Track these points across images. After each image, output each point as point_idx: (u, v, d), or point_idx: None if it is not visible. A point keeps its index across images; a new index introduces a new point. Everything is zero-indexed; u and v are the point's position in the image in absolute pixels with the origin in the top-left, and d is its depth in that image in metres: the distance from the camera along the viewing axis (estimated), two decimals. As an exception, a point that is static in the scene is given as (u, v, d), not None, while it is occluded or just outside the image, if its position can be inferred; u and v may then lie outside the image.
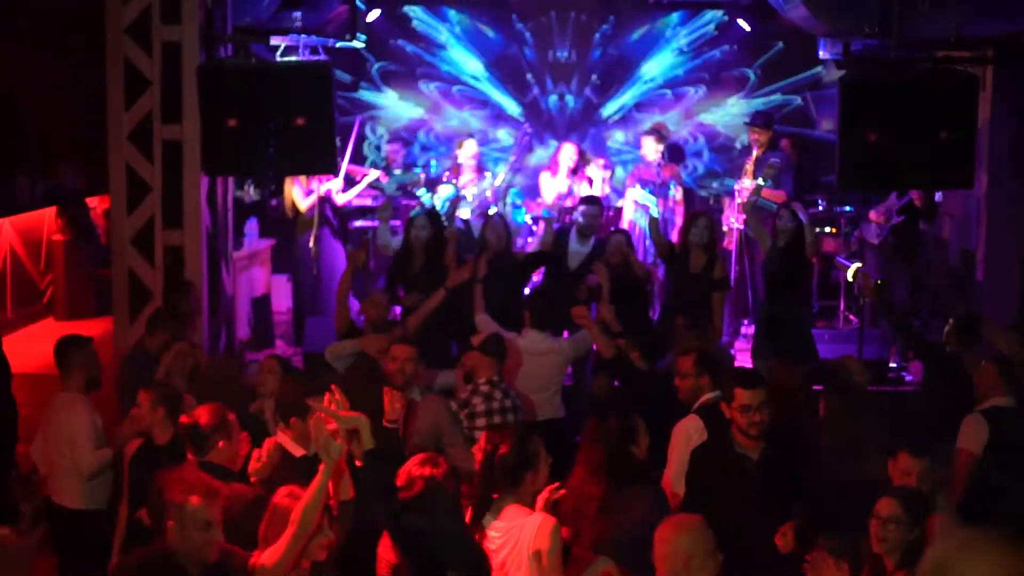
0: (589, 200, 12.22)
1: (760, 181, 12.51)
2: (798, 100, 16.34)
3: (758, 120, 14.11)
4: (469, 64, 16.36)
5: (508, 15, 16.28)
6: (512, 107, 16.45)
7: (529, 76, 16.41)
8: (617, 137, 16.35)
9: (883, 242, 13.59)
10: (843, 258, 13.59)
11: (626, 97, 16.43)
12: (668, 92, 16.45)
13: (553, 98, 16.47)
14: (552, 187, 13.95)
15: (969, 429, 7.60)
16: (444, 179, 13.94)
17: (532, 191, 14.96)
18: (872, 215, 13.74)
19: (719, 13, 16.21)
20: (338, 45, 12.06)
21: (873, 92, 10.04)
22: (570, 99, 16.49)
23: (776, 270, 11.30)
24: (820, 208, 14.26)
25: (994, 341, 8.91)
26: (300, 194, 13.10)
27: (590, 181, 14.18)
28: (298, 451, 6.85)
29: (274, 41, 10.88)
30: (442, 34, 16.29)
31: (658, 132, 14.38)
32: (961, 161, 10.14)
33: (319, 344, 10.53)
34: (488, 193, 13.76)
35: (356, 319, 10.40)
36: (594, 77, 16.40)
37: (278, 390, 7.74)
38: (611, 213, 13.83)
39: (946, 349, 9.18)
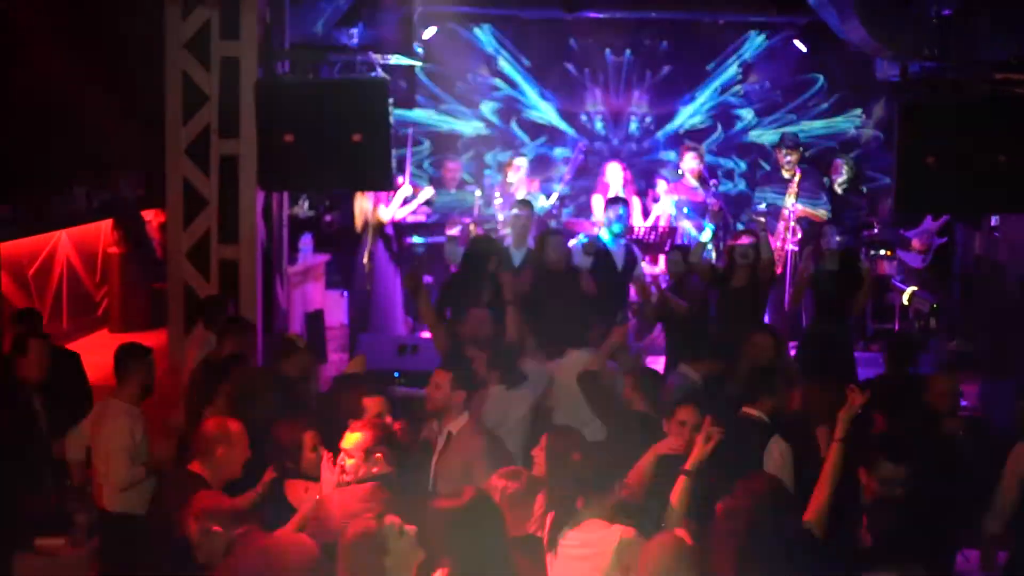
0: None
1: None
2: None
3: (787, 142, 14.09)
4: (525, 84, 16.36)
5: (564, 36, 16.27)
6: (566, 126, 16.44)
7: (584, 96, 16.43)
8: (670, 156, 16.26)
9: (927, 266, 13.54)
10: (899, 281, 13.50)
11: (680, 118, 16.41)
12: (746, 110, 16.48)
13: (600, 122, 16.47)
14: (602, 206, 13.92)
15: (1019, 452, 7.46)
16: (495, 199, 13.98)
17: (587, 211, 14.96)
18: (915, 243, 13.68)
19: (776, 34, 16.16)
20: (394, 62, 12.10)
21: (932, 115, 9.97)
22: (634, 122, 16.48)
23: (824, 291, 11.24)
24: (876, 231, 14.17)
25: None
26: (382, 206, 13.17)
27: (641, 198, 14.19)
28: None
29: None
30: (497, 53, 16.31)
31: (696, 150, 14.38)
32: (1019, 185, 10.05)
33: (370, 360, 10.55)
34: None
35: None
36: (647, 99, 16.43)
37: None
38: (664, 230, 13.74)
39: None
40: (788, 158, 13.86)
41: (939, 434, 7.87)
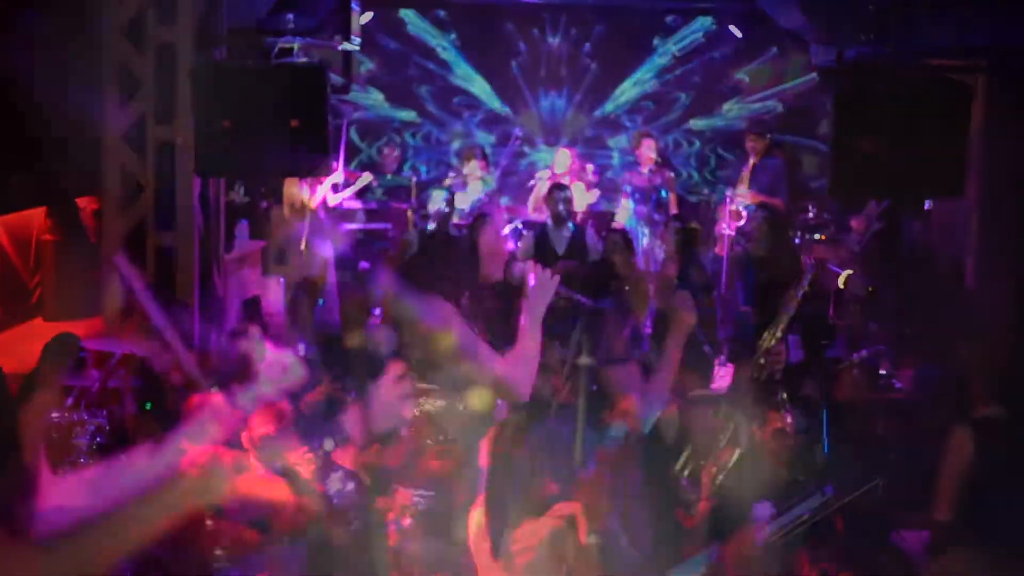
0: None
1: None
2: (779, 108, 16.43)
3: (755, 127, 14.15)
4: (461, 68, 16.38)
5: (501, 19, 16.29)
6: (503, 111, 16.47)
7: (520, 81, 16.46)
8: (609, 143, 16.37)
9: (866, 250, 13.63)
10: (834, 265, 13.59)
11: (618, 102, 16.48)
12: (650, 104, 16.57)
13: (545, 103, 16.51)
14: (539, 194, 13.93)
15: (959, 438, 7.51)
16: (445, 185, 13.94)
17: (524, 196, 14.98)
18: (853, 224, 13.78)
19: (711, 19, 16.29)
20: (332, 47, 12.04)
21: (866, 101, 10.04)
22: (561, 104, 16.53)
23: (757, 276, 11.32)
24: (811, 215, 14.27)
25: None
26: (307, 192, 13.10)
27: (588, 184, 14.19)
28: None
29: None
30: (434, 37, 16.31)
31: (651, 136, 14.40)
32: (952, 170, 10.14)
33: (307, 347, 10.55)
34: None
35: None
36: (585, 81, 16.48)
37: None
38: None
39: None
40: (754, 144, 13.91)
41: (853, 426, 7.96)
